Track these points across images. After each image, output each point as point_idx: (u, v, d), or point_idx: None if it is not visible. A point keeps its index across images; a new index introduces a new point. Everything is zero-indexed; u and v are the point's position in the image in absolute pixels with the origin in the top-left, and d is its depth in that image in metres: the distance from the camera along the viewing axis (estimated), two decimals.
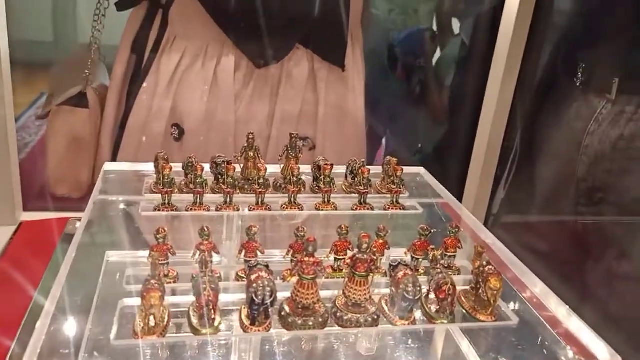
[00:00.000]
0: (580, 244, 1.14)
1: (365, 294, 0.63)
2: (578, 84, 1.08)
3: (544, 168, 1.19)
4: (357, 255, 0.63)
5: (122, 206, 0.89)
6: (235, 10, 1.13)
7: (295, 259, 0.68)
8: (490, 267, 0.67)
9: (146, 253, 0.71)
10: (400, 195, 0.95)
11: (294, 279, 0.64)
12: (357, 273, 0.63)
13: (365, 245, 0.63)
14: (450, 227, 0.75)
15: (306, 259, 0.61)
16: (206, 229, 0.67)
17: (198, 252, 0.66)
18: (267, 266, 0.62)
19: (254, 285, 0.58)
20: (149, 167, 0.96)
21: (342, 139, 1.26)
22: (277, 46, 1.17)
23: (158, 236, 0.66)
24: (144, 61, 1.20)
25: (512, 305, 0.70)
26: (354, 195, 0.95)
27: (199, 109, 1.19)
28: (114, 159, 1.22)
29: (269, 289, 0.58)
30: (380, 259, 0.74)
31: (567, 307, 0.69)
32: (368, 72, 1.30)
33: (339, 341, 0.62)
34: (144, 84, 1.20)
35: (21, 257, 1.07)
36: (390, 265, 0.67)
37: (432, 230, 0.74)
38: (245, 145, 0.94)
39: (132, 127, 1.19)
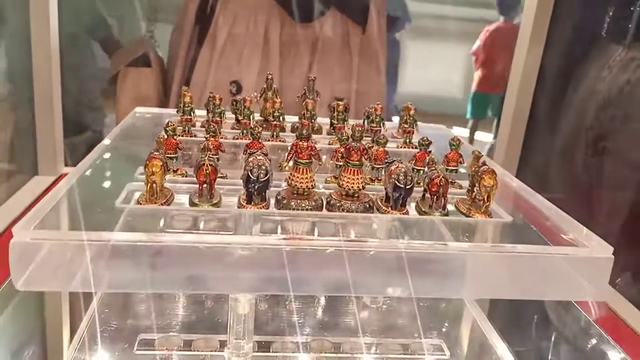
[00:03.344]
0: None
1: (358, 183, 0.65)
2: (603, 34, 1.09)
3: (565, 121, 1.18)
4: (351, 144, 0.65)
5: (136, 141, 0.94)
6: None
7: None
8: (485, 166, 0.68)
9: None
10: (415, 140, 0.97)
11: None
12: (350, 162, 0.65)
13: (357, 134, 0.65)
14: (451, 141, 0.76)
15: (300, 142, 0.64)
16: (214, 126, 0.71)
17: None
18: (265, 154, 0.66)
19: (250, 163, 0.62)
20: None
21: (368, 98, 1.41)
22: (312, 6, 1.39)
23: (167, 128, 0.70)
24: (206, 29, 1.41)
25: None
26: (368, 138, 0.98)
27: (252, 68, 1.38)
28: None
29: (263, 167, 0.62)
30: (381, 170, 0.76)
31: None
32: None
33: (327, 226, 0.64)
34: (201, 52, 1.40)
35: None
36: (386, 162, 0.69)
37: (432, 141, 0.76)
38: (265, 86, 0.98)
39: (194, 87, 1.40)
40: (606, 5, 1.14)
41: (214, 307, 0.86)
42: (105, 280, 0.53)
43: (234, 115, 0.98)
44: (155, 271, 0.54)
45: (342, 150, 0.67)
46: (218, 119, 0.90)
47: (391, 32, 2.91)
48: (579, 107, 1.12)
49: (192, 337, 0.78)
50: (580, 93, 1.13)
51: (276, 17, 1.37)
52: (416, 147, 0.95)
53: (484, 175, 0.66)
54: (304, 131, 0.64)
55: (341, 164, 0.74)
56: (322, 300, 0.89)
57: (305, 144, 0.64)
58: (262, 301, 0.86)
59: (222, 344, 0.76)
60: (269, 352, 0.76)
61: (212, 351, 0.75)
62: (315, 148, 0.65)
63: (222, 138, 0.90)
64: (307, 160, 0.64)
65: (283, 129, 0.96)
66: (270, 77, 0.98)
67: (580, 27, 1.24)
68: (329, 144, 0.93)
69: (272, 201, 0.66)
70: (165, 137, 0.68)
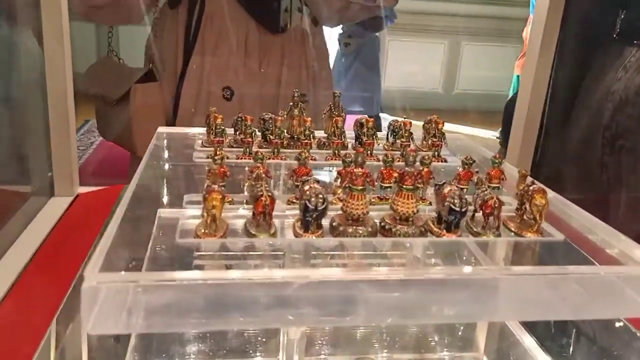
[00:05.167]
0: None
1: (412, 208, 0.65)
2: (615, 36, 1.11)
3: (579, 122, 1.20)
4: (405, 169, 0.65)
5: (173, 164, 0.94)
6: None
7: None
8: (535, 185, 0.68)
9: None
10: (442, 152, 0.97)
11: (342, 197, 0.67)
12: (404, 186, 0.65)
13: (411, 159, 0.65)
14: (492, 158, 0.77)
15: (355, 170, 0.64)
16: (260, 153, 0.71)
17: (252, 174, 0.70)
18: (317, 181, 0.66)
19: (307, 192, 0.62)
20: (201, 130, 1.02)
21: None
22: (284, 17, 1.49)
23: (215, 157, 0.70)
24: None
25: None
26: (396, 153, 0.98)
27: (238, 75, 1.47)
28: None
29: (321, 195, 0.61)
30: (425, 189, 0.76)
31: None
32: None
33: (384, 252, 0.64)
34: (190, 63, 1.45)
35: (77, 224, 1.13)
36: (436, 185, 0.69)
37: (475, 160, 0.76)
38: (291, 103, 0.98)
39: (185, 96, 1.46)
40: (617, 5, 1.16)
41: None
42: (169, 320, 0.53)
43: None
44: (222, 309, 0.53)
45: (395, 174, 0.67)
46: (250, 139, 0.90)
47: (375, 30, 3.03)
48: (594, 107, 1.14)
49: None
50: (595, 93, 1.15)
51: (252, 35, 1.46)
52: (445, 161, 0.96)
53: (535, 195, 0.67)
54: (359, 158, 0.64)
55: (387, 185, 0.74)
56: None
57: (360, 170, 0.64)
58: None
59: None
60: None
61: None
62: (370, 174, 0.65)
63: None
64: (362, 187, 0.64)
65: (311, 147, 0.95)
66: (296, 94, 0.98)
67: (592, 28, 1.25)
68: None
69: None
70: (215, 166, 0.67)
